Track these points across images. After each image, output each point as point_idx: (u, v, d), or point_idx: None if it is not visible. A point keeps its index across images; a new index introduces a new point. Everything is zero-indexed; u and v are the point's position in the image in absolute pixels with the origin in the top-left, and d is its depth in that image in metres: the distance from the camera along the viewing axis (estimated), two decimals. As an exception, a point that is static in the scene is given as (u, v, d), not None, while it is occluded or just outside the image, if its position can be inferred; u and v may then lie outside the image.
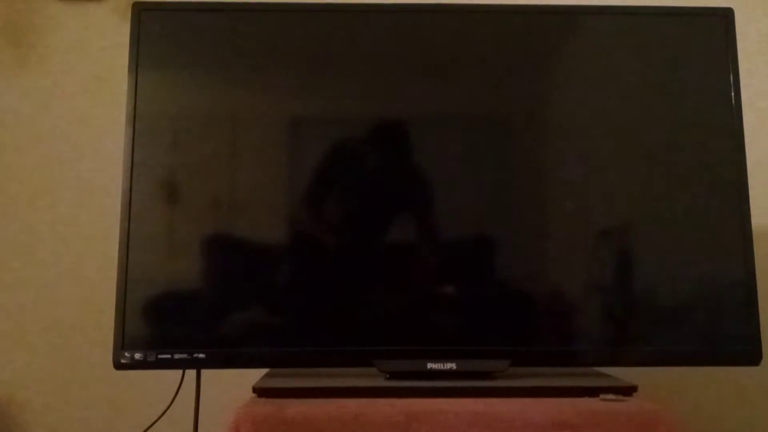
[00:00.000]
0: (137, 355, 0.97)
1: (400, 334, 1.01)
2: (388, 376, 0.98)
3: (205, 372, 1.02)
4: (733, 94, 1.05)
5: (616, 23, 1.10)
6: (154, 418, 1.11)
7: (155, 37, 1.05)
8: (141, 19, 1.05)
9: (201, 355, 0.98)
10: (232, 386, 0.98)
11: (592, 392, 0.95)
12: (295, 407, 0.89)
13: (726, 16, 1.07)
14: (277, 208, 1.05)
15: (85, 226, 1.36)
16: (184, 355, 0.98)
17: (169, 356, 0.98)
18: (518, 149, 1.09)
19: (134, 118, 1.02)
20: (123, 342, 0.98)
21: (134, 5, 1.06)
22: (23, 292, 1.35)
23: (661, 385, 1.10)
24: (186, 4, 1.08)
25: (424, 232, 1.05)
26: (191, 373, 1.02)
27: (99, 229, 1.34)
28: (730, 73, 1.06)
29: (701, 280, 1.03)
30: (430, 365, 0.98)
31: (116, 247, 1.00)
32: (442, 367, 0.98)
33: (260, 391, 0.95)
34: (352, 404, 0.89)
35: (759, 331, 1.01)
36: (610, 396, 0.94)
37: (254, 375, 1.02)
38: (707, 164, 1.05)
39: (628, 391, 0.96)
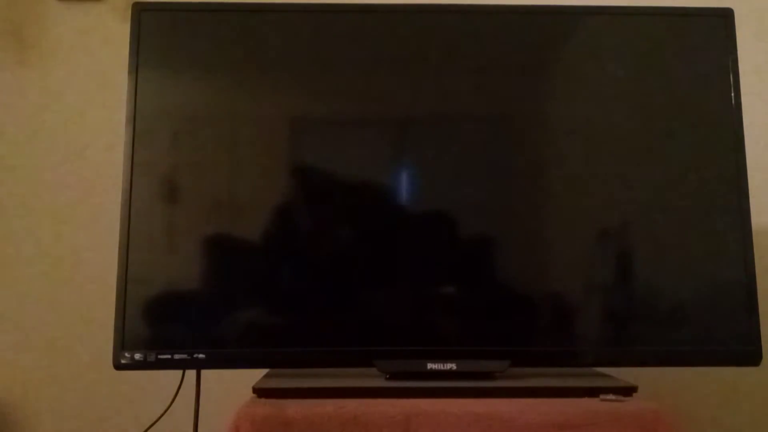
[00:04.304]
0: (137, 356, 0.97)
1: (400, 335, 1.01)
2: (388, 376, 0.98)
3: (205, 372, 1.02)
4: (733, 94, 1.05)
5: (616, 23, 1.10)
6: (154, 418, 1.11)
7: (155, 37, 1.05)
8: (141, 19, 1.05)
9: (201, 355, 0.98)
10: (232, 386, 0.98)
11: (592, 392, 0.95)
12: (295, 407, 0.89)
13: (726, 16, 1.07)
14: (277, 208, 1.05)
15: (85, 225, 1.36)
16: (184, 355, 0.98)
17: (169, 356, 0.98)
18: (518, 149, 1.09)
19: (134, 118, 1.02)
20: (123, 342, 0.98)
21: (134, 5, 1.06)
22: (23, 292, 1.35)
23: (661, 385, 1.10)
24: (186, 5, 1.08)
25: (423, 232, 1.05)
26: (191, 373, 1.02)
27: (99, 229, 1.34)
28: (730, 73, 1.06)
29: (701, 280, 1.03)
30: (430, 365, 0.98)
31: (116, 247, 1.00)
32: (442, 368, 0.98)
33: (260, 391, 0.95)
34: (352, 404, 0.89)
35: (759, 331, 1.01)
36: (610, 396, 0.94)
37: (254, 375, 1.02)
38: (707, 164, 1.05)
39: (628, 391, 0.96)
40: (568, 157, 1.07)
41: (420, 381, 0.97)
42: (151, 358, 0.97)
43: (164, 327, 1.01)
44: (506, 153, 1.08)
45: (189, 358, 0.98)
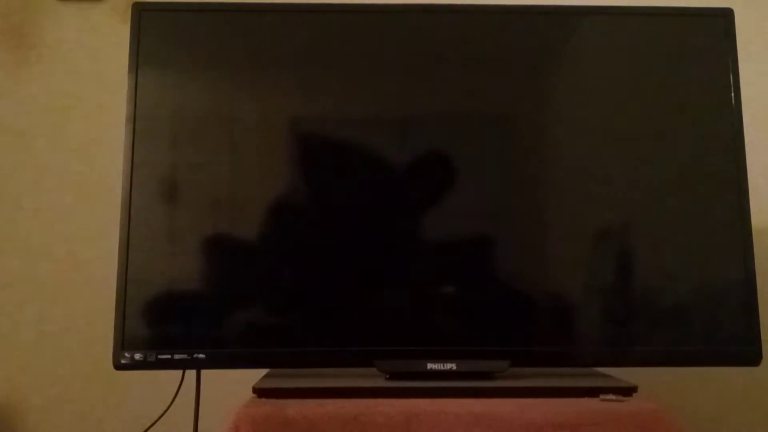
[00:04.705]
0: (137, 355, 0.97)
1: (400, 334, 1.02)
2: (388, 376, 0.98)
3: (205, 372, 1.02)
4: (733, 94, 1.05)
5: (616, 23, 1.10)
6: (154, 418, 1.11)
7: (155, 37, 1.05)
8: (141, 19, 1.05)
9: (201, 355, 0.98)
10: (232, 386, 0.98)
11: (592, 392, 0.95)
12: (295, 407, 0.88)
13: (726, 16, 1.08)
14: (277, 208, 1.05)
15: (85, 225, 1.36)
16: (184, 355, 0.98)
17: (169, 356, 0.98)
18: (518, 149, 1.09)
19: (134, 118, 1.03)
20: (123, 342, 0.98)
21: (134, 5, 1.06)
22: (22, 292, 1.35)
23: (661, 385, 1.10)
24: (186, 4, 1.08)
25: (423, 231, 1.05)
26: (191, 373, 1.02)
27: (99, 229, 1.34)
28: (730, 73, 1.06)
29: (701, 280, 1.03)
30: (430, 365, 0.98)
31: (116, 247, 1.00)
32: (442, 368, 0.98)
33: (260, 391, 0.95)
34: (352, 404, 0.89)
35: (759, 331, 1.01)
36: (610, 396, 0.94)
37: (254, 375, 1.02)
38: (707, 164, 1.05)
39: (628, 391, 0.96)
40: (568, 156, 1.07)
41: (420, 381, 0.97)
42: (151, 358, 0.97)
43: (164, 327, 1.01)
44: (506, 153, 1.08)
45: (189, 358, 0.98)
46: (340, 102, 1.08)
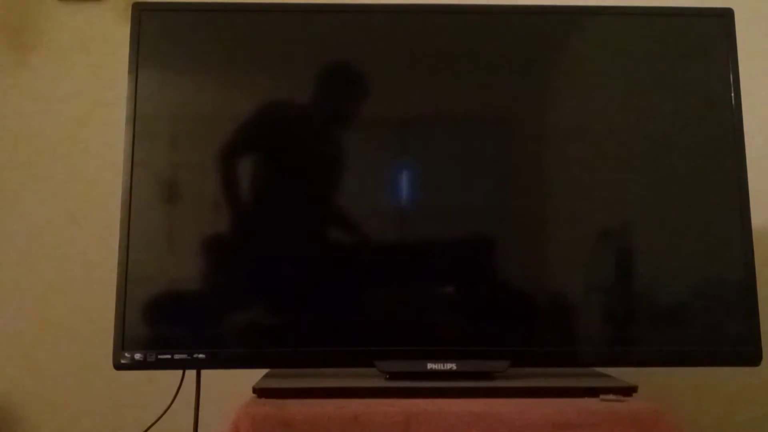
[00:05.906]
0: (137, 356, 0.97)
1: (400, 335, 1.02)
2: (388, 376, 0.98)
3: (205, 372, 1.02)
4: (733, 94, 1.05)
5: (616, 23, 1.10)
6: (154, 418, 1.11)
7: (155, 37, 1.05)
8: (141, 19, 1.05)
9: (201, 355, 0.98)
10: (232, 386, 0.98)
11: (592, 392, 0.95)
12: (295, 407, 0.89)
13: (726, 16, 1.08)
14: (277, 208, 1.05)
15: (85, 225, 1.36)
16: (184, 355, 0.98)
17: (169, 356, 0.98)
18: (518, 149, 1.09)
19: (134, 118, 1.03)
20: (123, 342, 0.98)
21: (134, 5, 1.06)
22: (23, 292, 1.35)
23: (661, 385, 1.10)
24: (186, 4, 1.08)
25: (424, 231, 1.05)
26: (191, 373, 1.02)
27: (99, 229, 1.34)
28: (730, 73, 1.06)
29: (701, 280, 1.03)
30: (430, 365, 0.98)
31: (116, 247, 1.00)
32: (442, 368, 0.98)
33: (260, 391, 0.95)
34: (352, 404, 0.89)
35: (759, 331, 1.01)
36: (610, 396, 0.94)
37: (254, 375, 1.02)
38: (707, 164, 1.05)
39: (628, 391, 0.96)
40: (568, 156, 1.07)
41: (420, 381, 0.97)
42: (151, 358, 0.97)
43: (164, 327, 1.01)
44: (507, 153, 1.09)
45: (189, 358, 0.98)
46: (340, 102, 1.08)
